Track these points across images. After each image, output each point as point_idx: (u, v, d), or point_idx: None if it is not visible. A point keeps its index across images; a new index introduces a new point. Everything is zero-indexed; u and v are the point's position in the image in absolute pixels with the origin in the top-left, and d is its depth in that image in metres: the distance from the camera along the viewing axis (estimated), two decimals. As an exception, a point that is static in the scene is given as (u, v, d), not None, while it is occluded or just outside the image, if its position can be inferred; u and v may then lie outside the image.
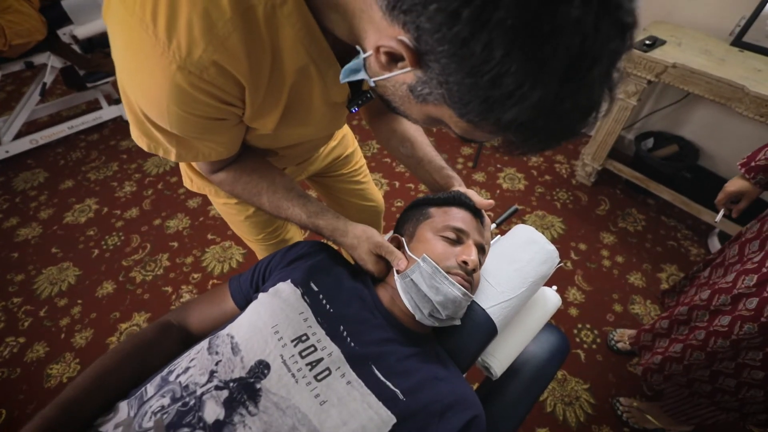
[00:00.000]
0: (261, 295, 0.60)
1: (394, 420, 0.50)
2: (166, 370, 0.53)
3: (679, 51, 1.41)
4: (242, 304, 0.65)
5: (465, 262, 0.60)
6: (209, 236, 1.80)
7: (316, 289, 0.60)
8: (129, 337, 0.60)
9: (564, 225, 1.79)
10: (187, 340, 0.64)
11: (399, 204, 1.92)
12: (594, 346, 1.41)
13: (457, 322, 0.64)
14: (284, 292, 0.59)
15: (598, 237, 1.73)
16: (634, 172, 1.77)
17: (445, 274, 0.59)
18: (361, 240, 0.64)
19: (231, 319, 0.61)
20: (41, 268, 1.68)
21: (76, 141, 2.35)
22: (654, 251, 1.69)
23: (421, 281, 0.59)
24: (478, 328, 0.70)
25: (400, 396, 0.52)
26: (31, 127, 2.35)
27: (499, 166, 2.10)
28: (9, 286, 1.63)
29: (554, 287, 0.86)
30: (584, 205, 1.89)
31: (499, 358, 0.75)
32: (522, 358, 0.82)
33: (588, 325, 1.47)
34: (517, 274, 0.74)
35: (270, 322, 0.55)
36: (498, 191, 1.97)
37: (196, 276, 1.64)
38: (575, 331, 1.45)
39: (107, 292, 1.59)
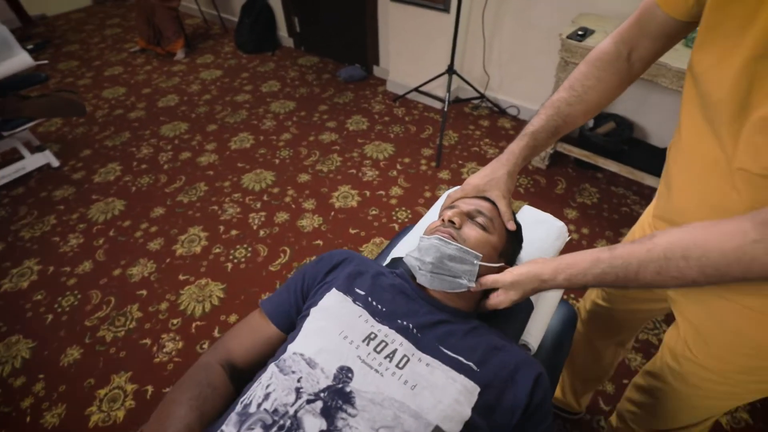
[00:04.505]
0: (312, 310, 0.61)
1: (478, 389, 0.53)
2: (239, 407, 0.50)
3: (608, 38, 1.58)
4: (285, 326, 0.65)
5: (444, 219, 0.67)
6: (181, 277, 1.67)
7: (362, 293, 0.63)
8: (176, 385, 0.56)
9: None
10: (233, 374, 0.61)
11: (374, 212, 1.92)
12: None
13: (467, 282, 0.61)
14: (335, 302, 0.61)
15: (562, 214, 1.87)
16: (582, 150, 1.94)
17: (422, 235, 0.67)
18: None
19: (277, 341, 0.63)
20: (-17, 348, 1.45)
21: (-2, 198, 2.07)
22: (612, 219, 1.86)
23: (414, 249, 0.66)
24: (518, 306, 0.73)
25: (475, 368, 0.55)
26: (-64, 189, 2.03)
27: (460, 162, 2.20)
28: (-56, 376, 1.38)
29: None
30: (544, 187, 2.03)
31: (533, 333, 0.79)
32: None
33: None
34: (538, 253, 0.79)
35: (335, 331, 0.56)
36: (465, 186, 2.05)
37: (175, 321, 1.51)
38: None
39: (74, 359, 1.41)
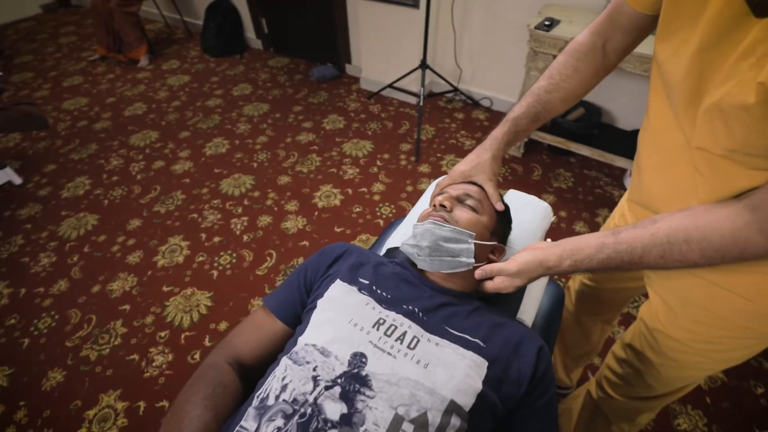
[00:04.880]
0: (319, 302, 0.62)
1: (486, 363, 0.55)
2: (255, 401, 0.51)
3: (573, 27, 1.65)
4: (291, 321, 0.66)
5: (435, 204, 0.70)
6: (164, 288, 1.62)
7: (366, 282, 0.64)
8: (186, 386, 0.55)
9: (510, 195, 1.96)
10: (240, 372, 0.62)
11: (358, 209, 1.93)
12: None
13: (466, 259, 0.64)
14: (341, 292, 0.62)
15: (540, 199, 1.93)
16: (555, 137, 2.00)
17: (416, 223, 0.68)
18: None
19: (283, 337, 0.64)
20: (-46, 380, 1.37)
21: (-44, 221, 1.95)
22: (587, 201, 1.94)
23: (410, 237, 0.69)
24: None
25: (481, 344, 0.57)
26: None
27: (439, 155, 2.23)
28: None
29: (548, 240, 0.96)
30: (521, 175, 2.09)
31: (526, 311, 0.82)
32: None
33: (555, 277, 1.64)
34: (527, 234, 0.82)
35: (345, 319, 0.57)
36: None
37: (162, 334, 1.47)
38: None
39: (57, 382, 1.35)
